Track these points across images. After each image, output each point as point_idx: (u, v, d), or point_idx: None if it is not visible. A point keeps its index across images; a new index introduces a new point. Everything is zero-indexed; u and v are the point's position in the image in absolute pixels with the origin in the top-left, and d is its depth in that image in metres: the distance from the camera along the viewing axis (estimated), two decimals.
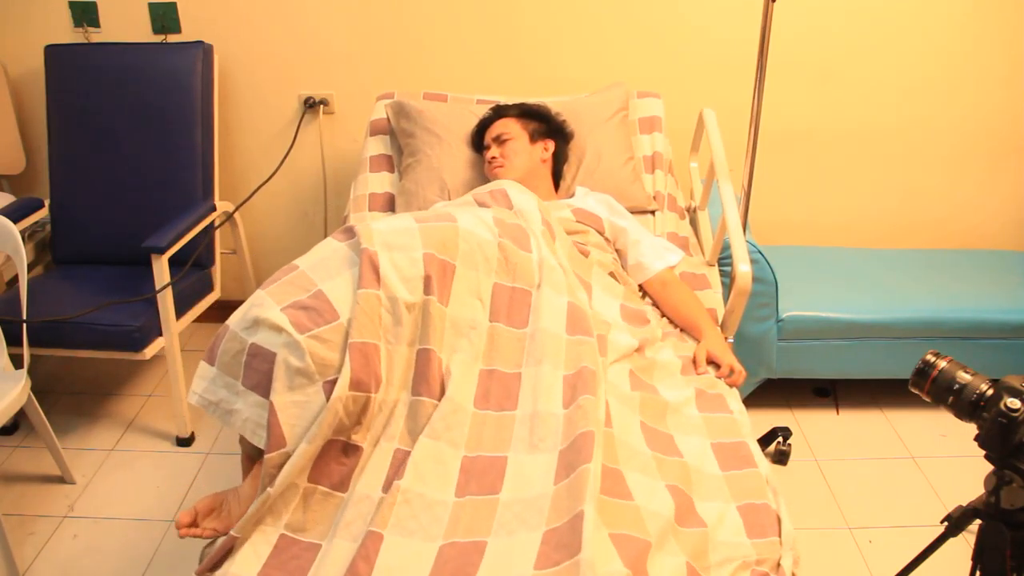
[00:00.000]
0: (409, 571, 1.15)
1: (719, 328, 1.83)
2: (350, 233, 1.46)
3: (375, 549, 1.16)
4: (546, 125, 2.14)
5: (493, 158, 2.06)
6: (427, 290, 1.39)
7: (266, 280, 1.40)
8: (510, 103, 2.19)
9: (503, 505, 1.24)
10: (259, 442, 1.29)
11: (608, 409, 1.40)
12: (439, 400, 1.36)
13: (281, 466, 1.24)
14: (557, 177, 2.16)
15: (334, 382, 1.27)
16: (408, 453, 1.30)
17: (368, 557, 1.15)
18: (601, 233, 1.91)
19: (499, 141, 2.08)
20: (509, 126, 2.10)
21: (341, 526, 1.24)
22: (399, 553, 1.17)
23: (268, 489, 1.23)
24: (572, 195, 2.11)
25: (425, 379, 1.36)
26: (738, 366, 1.68)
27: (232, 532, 1.22)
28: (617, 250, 1.94)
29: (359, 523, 1.23)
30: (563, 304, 1.52)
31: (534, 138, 2.10)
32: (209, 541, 1.30)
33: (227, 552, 1.22)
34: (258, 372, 1.29)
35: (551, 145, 2.13)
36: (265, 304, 1.30)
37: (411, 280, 1.38)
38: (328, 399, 1.26)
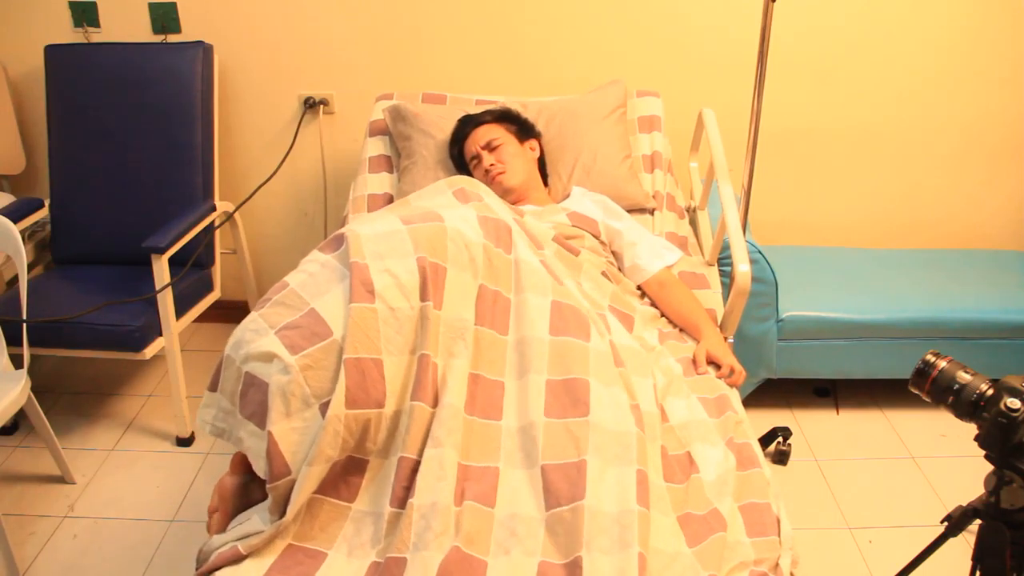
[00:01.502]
0: None
1: (718, 328, 1.83)
2: (338, 242, 1.44)
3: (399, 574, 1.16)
4: (523, 125, 2.10)
5: (492, 165, 1.98)
6: (423, 295, 1.37)
7: (260, 299, 1.40)
8: (481, 111, 2.12)
9: (498, 523, 1.23)
10: (260, 472, 1.28)
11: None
12: (433, 407, 1.34)
13: (289, 492, 1.23)
14: (544, 177, 2.13)
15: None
16: (413, 462, 1.29)
17: None
18: (597, 237, 1.89)
19: (490, 148, 2.01)
20: (494, 131, 2.04)
21: (355, 545, 1.24)
22: (420, 569, 1.17)
23: (282, 519, 1.22)
24: (568, 196, 2.09)
25: (422, 385, 1.35)
26: (738, 366, 1.68)
27: (242, 550, 1.21)
28: (613, 252, 1.92)
29: (371, 543, 1.23)
30: (546, 305, 1.49)
31: (520, 139, 2.07)
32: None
33: (231, 561, 1.22)
34: (253, 403, 1.28)
35: (536, 144, 2.11)
36: (259, 329, 1.30)
37: (407, 287, 1.36)
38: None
